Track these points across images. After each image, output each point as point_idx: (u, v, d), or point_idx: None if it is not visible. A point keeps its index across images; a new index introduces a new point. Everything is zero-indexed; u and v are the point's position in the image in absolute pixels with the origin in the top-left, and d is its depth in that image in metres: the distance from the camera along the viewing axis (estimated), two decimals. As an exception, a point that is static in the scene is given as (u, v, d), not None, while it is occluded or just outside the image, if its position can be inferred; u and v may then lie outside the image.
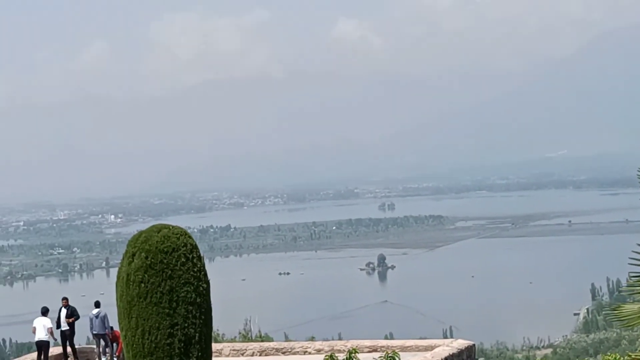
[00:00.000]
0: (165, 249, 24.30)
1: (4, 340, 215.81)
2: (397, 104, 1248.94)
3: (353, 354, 24.75)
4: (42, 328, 37.12)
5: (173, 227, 25.33)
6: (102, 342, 38.03)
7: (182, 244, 24.60)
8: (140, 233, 25.16)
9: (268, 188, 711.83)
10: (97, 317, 37.56)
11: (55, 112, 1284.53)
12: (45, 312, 38.02)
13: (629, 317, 15.74)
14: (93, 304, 38.46)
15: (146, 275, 24.23)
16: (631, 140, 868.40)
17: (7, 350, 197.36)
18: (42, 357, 37.66)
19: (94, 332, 37.79)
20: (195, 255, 24.84)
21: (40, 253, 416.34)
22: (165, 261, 24.20)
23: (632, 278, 16.06)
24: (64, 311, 38.23)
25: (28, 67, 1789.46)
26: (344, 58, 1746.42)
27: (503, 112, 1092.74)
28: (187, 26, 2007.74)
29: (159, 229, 25.08)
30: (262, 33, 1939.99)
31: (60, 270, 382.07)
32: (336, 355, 25.03)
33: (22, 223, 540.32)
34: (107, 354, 37.82)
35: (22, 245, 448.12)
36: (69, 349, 38.49)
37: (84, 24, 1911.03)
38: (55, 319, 37.68)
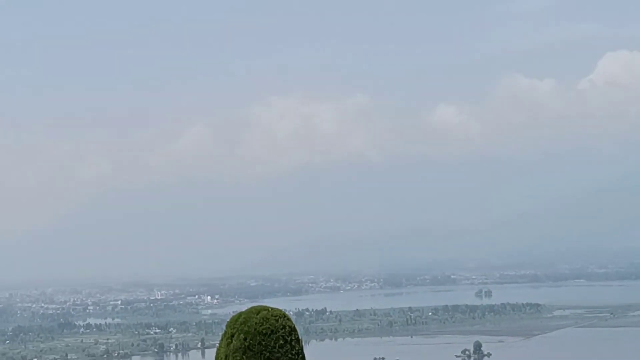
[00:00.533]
0: (264, 331, 24.57)
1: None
2: (495, 190, 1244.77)
3: None
4: None
5: (272, 309, 25.50)
6: None
7: (281, 326, 24.85)
8: (240, 314, 25.48)
9: (364, 272, 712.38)
10: None
11: (156, 192, 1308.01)
12: None
13: None
14: None
15: (244, 357, 24.44)
16: None
17: None
18: None
19: None
20: (293, 338, 25.01)
21: (136, 332, 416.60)
22: (263, 343, 24.43)
23: None
24: None
25: (131, 148, 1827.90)
26: (442, 143, 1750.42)
27: (603, 200, 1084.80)
28: (288, 109, 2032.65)
29: (258, 310, 25.32)
30: (362, 117, 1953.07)
31: (156, 350, 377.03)
32: None
33: (119, 302, 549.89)
34: None
35: (119, 324, 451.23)
36: None
37: (186, 106, 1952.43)
38: None
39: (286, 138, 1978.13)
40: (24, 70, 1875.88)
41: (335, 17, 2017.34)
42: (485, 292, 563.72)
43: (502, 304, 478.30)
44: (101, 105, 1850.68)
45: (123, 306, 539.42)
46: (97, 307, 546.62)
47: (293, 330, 25.30)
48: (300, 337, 25.46)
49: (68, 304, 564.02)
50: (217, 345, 26.04)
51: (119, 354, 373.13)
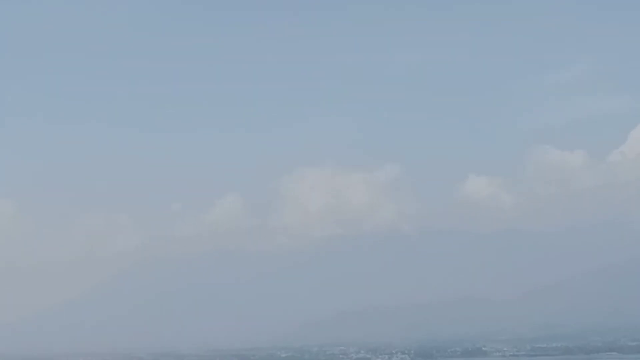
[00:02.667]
0: None
1: None
2: (526, 262, 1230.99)
3: None
4: None
5: None
6: None
7: None
8: None
9: (395, 344, 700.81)
10: None
11: (186, 264, 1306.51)
12: None
13: None
14: None
15: None
16: None
17: None
18: None
19: None
20: None
21: None
22: None
23: None
24: None
25: (163, 218, 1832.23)
26: (473, 215, 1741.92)
27: (636, 272, 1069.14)
28: (318, 181, 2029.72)
29: None
30: (392, 189, 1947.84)
31: None
32: None
33: None
34: None
35: None
36: None
37: (217, 177, 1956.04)
38: None
39: (317, 209, 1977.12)
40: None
41: (366, 84, 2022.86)
42: None
43: None
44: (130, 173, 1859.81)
45: None
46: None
47: None
48: None
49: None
50: None
51: None
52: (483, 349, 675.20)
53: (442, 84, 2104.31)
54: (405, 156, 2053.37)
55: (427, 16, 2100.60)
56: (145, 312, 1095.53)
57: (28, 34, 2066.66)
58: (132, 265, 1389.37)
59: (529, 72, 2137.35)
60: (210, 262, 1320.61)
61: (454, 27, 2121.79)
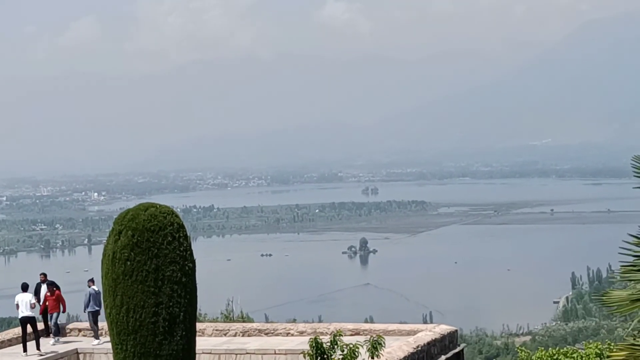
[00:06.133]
0: (152, 228, 23.80)
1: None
2: (383, 88, 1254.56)
3: (337, 337, 24.25)
4: (24, 304, 37.31)
5: (160, 206, 24.67)
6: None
7: (169, 223, 24.14)
8: (127, 211, 24.37)
9: (252, 169, 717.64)
10: (97, 293, 37.36)
11: (41, 87, 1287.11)
12: (25, 287, 38.21)
13: (618, 303, 15.70)
14: (86, 281, 39.42)
15: (132, 254, 23.64)
16: (614, 131, 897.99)
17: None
18: (29, 331, 37.73)
19: (96, 309, 38.26)
20: (182, 235, 24.47)
21: (22, 228, 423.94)
22: (151, 240, 23.70)
23: (623, 267, 15.90)
24: (44, 287, 38.83)
25: (15, 42, 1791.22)
26: (331, 40, 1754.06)
27: (488, 99, 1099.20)
28: (176, 4, 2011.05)
29: (146, 207, 24.56)
30: (250, 15, 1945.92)
31: (42, 246, 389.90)
32: (320, 338, 24.51)
33: (5, 198, 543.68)
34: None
35: (4, 221, 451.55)
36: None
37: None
38: (34, 294, 38.24)
39: (174, 34, 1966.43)
40: None
41: None
42: (372, 189, 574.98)
43: (388, 201, 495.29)
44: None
45: (8, 202, 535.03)
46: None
47: (181, 227, 24.51)
48: (188, 234, 24.85)
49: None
50: (105, 241, 24.73)
51: (4, 250, 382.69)
52: (339, 174, 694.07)
53: None
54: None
55: None
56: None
57: None
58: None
59: None
60: (64, 85, 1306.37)
61: None
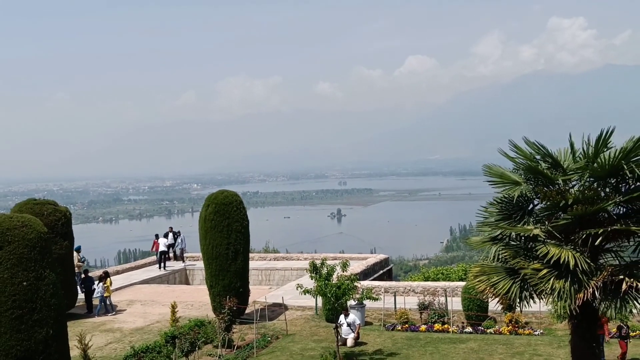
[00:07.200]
0: (225, 202, 30.38)
1: (136, 250, 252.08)
2: (352, 132, 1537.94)
3: (324, 261, 28.32)
4: (162, 243, 47.68)
5: (229, 191, 32.14)
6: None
7: (235, 200, 31.05)
8: (212, 194, 31.43)
9: (278, 172, 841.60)
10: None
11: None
12: (165, 235, 48.90)
13: (474, 243, 19.95)
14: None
15: (215, 216, 30.32)
16: (474, 147, 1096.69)
17: (137, 255, 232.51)
18: (163, 261, 47.41)
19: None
20: (241, 207, 31.17)
21: (156, 204, 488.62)
22: (225, 209, 30.37)
23: (477, 224, 20.28)
24: (170, 235, 49.82)
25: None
26: (324, 102, 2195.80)
27: (410, 134, 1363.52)
28: (237, 84, 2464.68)
29: (222, 192, 31.75)
30: (278, 87, 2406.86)
31: (166, 213, 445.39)
32: (315, 261, 28.42)
33: (147, 187, 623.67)
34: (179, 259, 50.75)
35: (146, 199, 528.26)
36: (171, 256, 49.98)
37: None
38: (164, 237, 49.89)
39: (236, 97, 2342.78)
40: None
41: None
42: (343, 182, 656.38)
43: (353, 188, 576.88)
44: None
45: (149, 189, 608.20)
46: (133, 190, 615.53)
47: (241, 202, 31.29)
48: (245, 206, 31.75)
49: (118, 188, 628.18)
50: (200, 210, 32.26)
51: (147, 214, 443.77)
52: (325, 174, 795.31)
53: None
54: None
55: None
56: (147, 150, 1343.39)
57: None
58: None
59: None
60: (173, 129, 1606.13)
61: None
